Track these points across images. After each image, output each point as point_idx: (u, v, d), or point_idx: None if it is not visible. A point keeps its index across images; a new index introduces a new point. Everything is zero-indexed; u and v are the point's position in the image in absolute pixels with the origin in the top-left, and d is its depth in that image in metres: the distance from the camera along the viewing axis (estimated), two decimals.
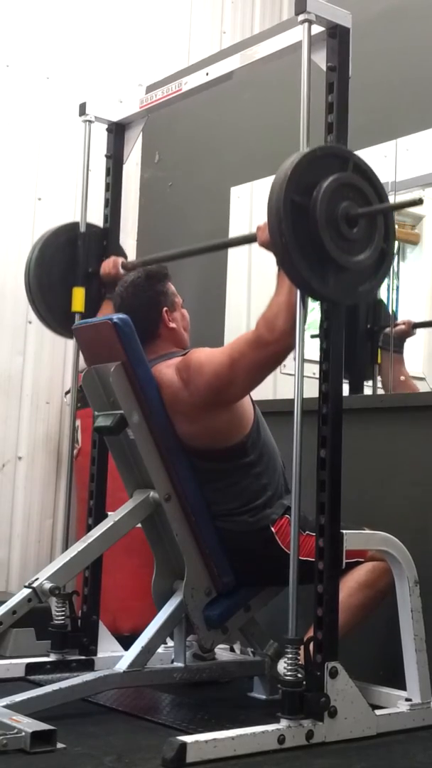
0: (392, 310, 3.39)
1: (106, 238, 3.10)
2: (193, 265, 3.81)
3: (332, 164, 2.24)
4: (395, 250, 2.39)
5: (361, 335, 3.33)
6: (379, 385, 3.38)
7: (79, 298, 2.99)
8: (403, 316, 3.45)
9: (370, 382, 3.46)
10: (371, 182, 2.30)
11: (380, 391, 3.39)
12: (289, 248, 2.13)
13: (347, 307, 2.82)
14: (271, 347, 2.43)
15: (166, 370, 2.62)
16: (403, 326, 3.38)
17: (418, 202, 2.20)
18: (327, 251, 2.17)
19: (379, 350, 3.36)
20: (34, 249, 3.03)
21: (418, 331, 3.52)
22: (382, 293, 3.46)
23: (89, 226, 3.07)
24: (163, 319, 2.72)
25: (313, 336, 2.41)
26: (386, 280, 3.47)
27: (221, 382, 2.51)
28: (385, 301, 3.44)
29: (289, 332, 2.38)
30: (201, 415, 2.58)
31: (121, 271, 2.99)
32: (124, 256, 3.14)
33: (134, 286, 2.74)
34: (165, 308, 2.73)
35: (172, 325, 2.74)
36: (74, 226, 3.08)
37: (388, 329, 3.28)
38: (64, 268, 3.01)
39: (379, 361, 3.38)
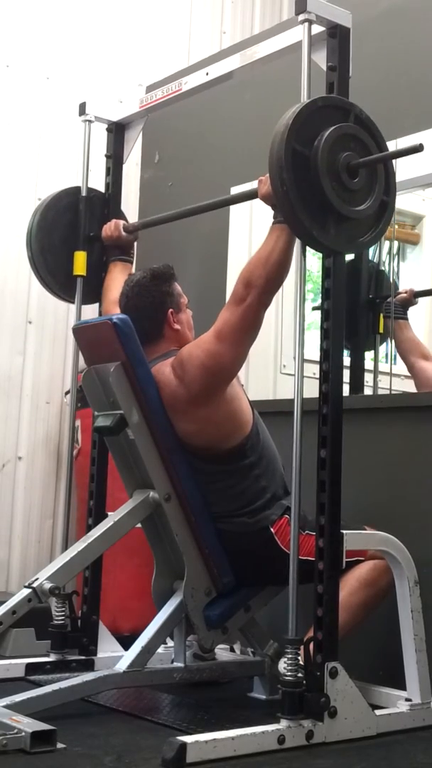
0: (393, 280, 3.41)
1: (107, 202, 3.10)
2: (193, 263, 3.82)
3: (333, 115, 2.26)
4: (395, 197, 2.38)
5: (363, 305, 3.35)
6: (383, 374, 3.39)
7: (80, 261, 3.00)
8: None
9: (370, 382, 3.47)
10: (372, 133, 2.32)
11: (383, 389, 3.40)
12: (290, 197, 2.14)
13: (349, 277, 2.83)
14: (246, 302, 2.45)
15: (165, 368, 2.62)
16: (404, 294, 3.40)
17: (419, 148, 2.20)
18: (328, 200, 2.18)
19: (381, 319, 3.38)
20: (36, 213, 3.04)
21: (418, 330, 3.52)
22: (384, 265, 3.48)
23: (90, 190, 3.08)
24: (168, 320, 2.72)
25: (314, 308, 2.42)
26: (388, 249, 3.49)
27: (212, 359, 2.51)
28: (386, 270, 3.45)
29: (263, 287, 2.41)
30: (199, 410, 2.57)
31: (123, 234, 3.02)
32: (125, 219, 3.15)
33: (140, 286, 2.73)
34: (170, 309, 2.72)
35: (177, 326, 2.73)
36: (76, 190, 3.08)
37: (390, 298, 3.29)
38: (66, 232, 3.02)
39: (381, 330, 3.39)
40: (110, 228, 3.03)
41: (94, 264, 3.04)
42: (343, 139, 2.23)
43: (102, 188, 3.17)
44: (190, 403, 2.57)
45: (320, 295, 2.37)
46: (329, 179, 2.18)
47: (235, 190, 3.73)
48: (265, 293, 2.43)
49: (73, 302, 3.03)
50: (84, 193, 3.06)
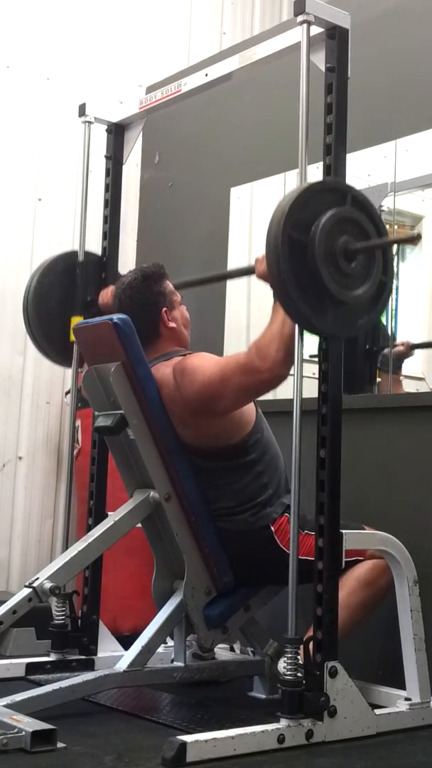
0: (391, 330, 3.38)
1: (104, 266, 3.08)
2: (193, 265, 3.82)
3: (331, 199, 2.23)
4: (393, 278, 2.38)
5: (360, 356, 3.33)
6: None
7: None
8: (402, 317, 3.46)
9: None
10: (369, 215, 2.29)
11: None
12: (287, 285, 2.12)
13: None
14: (261, 375, 2.43)
15: (165, 369, 2.62)
16: (401, 347, 3.37)
17: (417, 237, 2.20)
18: (325, 287, 2.16)
19: (377, 371, 3.36)
20: (32, 278, 3.02)
21: (418, 331, 3.52)
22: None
23: (87, 254, 3.06)
24: (162, 320, 2.72)
25: (312, 356, 2.42)
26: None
27: (210, 395, 2.51)
28: (383, 321, 3.44)
29: (280, 362, 2.38)
30: (193, 419, 2.58)
31: None
32: None
33: (131, 288, 2.73)
34: (164, 308, 2.73)
35: (172, 324, 2.74)
36: (72, 254, 3.06)
37: (386, 350, 3.27)
38: (63, 297, 2.99)
39: (377, 381, 3.38)
40: (107, 294, 2.99)
41: None
42: (341, 224, 2.20)
43: (102, 190, 3.17)
44: (185, 410, 2.58)
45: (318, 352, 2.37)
46: (326, 266, 2.16)
47: (234, 191, 3.75)
48: (284, 365, 2.39)
49: (69, 367, 3.02)
50: (81, 257, 3.04)
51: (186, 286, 3.02)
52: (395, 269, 3.57)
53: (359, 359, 3.29)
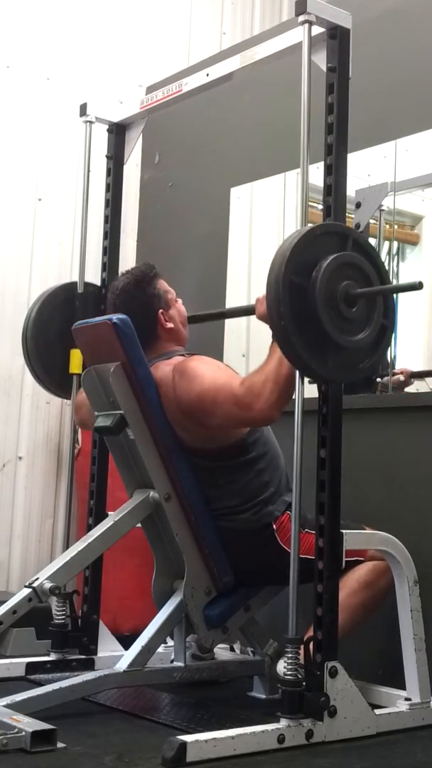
0: (390, 358, 3.37)
1: (103, 298, 3.05)
2: (193, 266, 3.82)
3: (331, 242, 2.22)
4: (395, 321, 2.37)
5: (359, 385, 3.31)
6: None
7: (76, 359, 2.95)
8: (402, 317, 3.45)
9: None
10: (371, 259, 2.28)
11: None
12: (288, 331, 2.11)
13: None
14: (251, 413, 2.43)
15: (165, 368, 2.62)
16: (400, 376, 3.35)
17: (418, 286, 2.19)
18: (326, 332, 2.14)
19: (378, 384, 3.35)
20: (31, 310, 3.02)
21: (418, 332, 3.51)
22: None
23: (87, 285, 3.05)
24: (159, 321, 2.71)
25: (310, 382, 2.40)
26: (387, 259, 3.46)
27: (201, 408, 2.51)
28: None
29: (273, 404, 2.38)
30: (187, 421, 2.59)
31: None
32: None
33: (125, 294, 2.71)
34: (160, 310, 2.72)
35: (170, 325, 2.73)
36: (72, 286, 3.06)
37: (385, 378, 3.26)
38: (62, 329, 2.96)
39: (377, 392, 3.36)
40: None
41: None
42: (342, 269, 2.19)
43: (102, 190, 3.17)
44: (179, 412, 2.58)
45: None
46: (327, 311, 2.14)
47: (234, 191, 3.75)
48: (277, 407, 2.38)
49: (68, 399, 3.02)
50: (80, 289, 3.03)
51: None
52: (395, 269, 3.58)
53: (357, 388, 3.27)
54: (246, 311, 2.71)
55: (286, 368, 2.34)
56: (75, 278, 3.10)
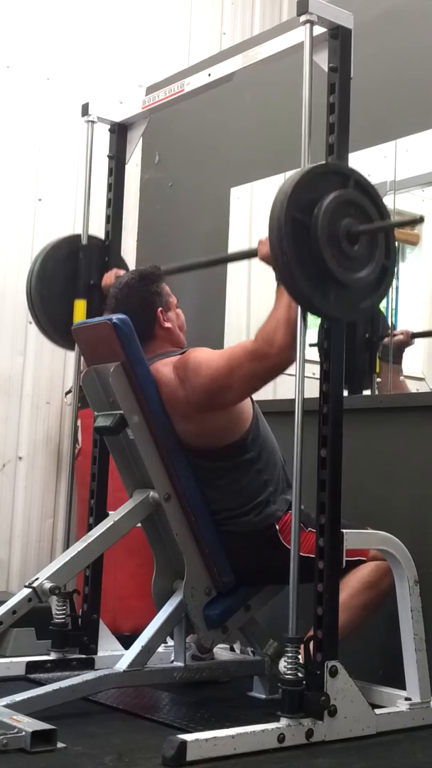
0: (391, 321, 3.39)
1: (107, 250, 3.09)
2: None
3: (333, 181, 2.24)
4: (395, 262, 2.38)
5: (360, 345, 3.33)
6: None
7: (80, 310, 2.98)
8: (402, 318, 3.46)
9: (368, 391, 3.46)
10: (372, 199, 2.30)
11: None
12: (290, 266, 2.13)
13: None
14: (269, 360, 2.44)
15: (164, 368, 2.62)
16: (401, 336, 3.38)
17: (419, 220, 2.21)
18: (328, 268, 2.16)
19: (378, 360, 3.36)
20: (35, 262, 3.03)
21: (419, 327, 3.52)
22: (381, 303, 3.46)
23: (91, 238, 3.07)
24: (158, 320, 2.73)
25: (311, 345, 2.42)
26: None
27: (218, 387, 2.52)
28: (383, 311, 3.43)
29: (287, 346, 2.39)
30: (198, 414, 2.58)
31: None
32: (126, 267, 3.14)
33: (128, 288, 2.74)
34: (160, 309, 2.73)
35: (168, 324, 2.74)
36: (75, 238, 3.07)
37: (386, 339, 3.28)
38: (66, 280, 3.00)
39: (378, 371, 3.38)
40: (110, 277, 3.00)
41: (94, 312, 3.01)
42: (343, 206, 2.21)
43: (102, 190, 3.17)
44: (189, 406, 2.58)
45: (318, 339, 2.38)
46: (329, 247, 2.16)
47: (234, 191, 3.75)
48: (291, 349, 2.38)
49: (72, 350, 3.03)
50: (84, 241, 3.04)
51: (187, 270, 3.02)
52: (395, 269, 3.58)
53: (359, 349, 3.29)
54: (248, 254, 2.71)
55: (294, 311, 2.35)
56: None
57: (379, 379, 3.49)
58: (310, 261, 2.16)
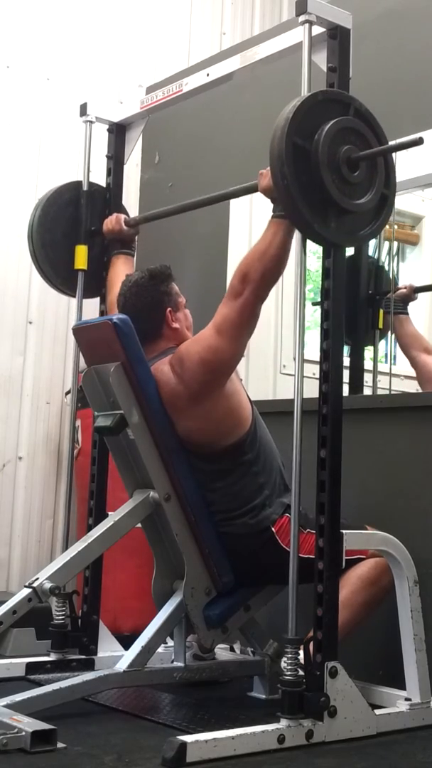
0: (393, 276, 3.42)
1: (108, 197, 3.11)
2: (193, 262, 3.82)
3: (333, 109, 2.26)
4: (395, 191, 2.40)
5: (362, 301, 3.36)
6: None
7: (81, 255, 3.00)
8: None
9: (369, 382, 3.47)
10: (372, 127, 2.32)
11: (383, 388, 3.41)
12: (291, 190, 2.15)
13: (348, 273, 2.82)
14: (243, 297, 2.45)
15: (163, 366, 2.62)
16: (404, 290, 3.42)
17: (419, 141, 2.21)
18: (329, 193, 2.19)
19: (381, 315, 3.39)
20: (36, 208, 3.04)
21: (419, 326, 3.53)
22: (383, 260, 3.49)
23: (91, 185, 3.08)
24: (166, 319, 2.73)
25: (314, 303, 2.43)
26: (387, 249, 3.49)
27: (211, 353, 2.52)
28: (386, 267, 3.46)
29: (259, 282, 2.41)
30: (199, 406, 2.57)
31: (124, 227, 3.03)
32: (126, 213, 3.15)
33: (138, 286, 2.74)
34: (168, 308, 2.73)
35: (176, 325, 2.74)
36: (77, 185, 3.09)
37: (390, 294, 3.31)
38: (67, 226, 3.03)
39: (380, 326, 3.41)
40: (111, 222, 3.04)
41: (95, 258, 3.05)
42: (344, 133, 2.24)
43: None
44: (190, 400, 2.57)
45: (320, 294, 2.38)
46: (330, 172, 2.19)
47: None
48: (262, 287, 2.44)
49: (74, 296, 3.05)
50: (85, 187, 3.06)
51: (189, 208, 3.01)
52: (395, 269, 3.59)
53: (362, 304, 3.32)
54: (249, 189, 2.71)
55: (274, 248, 2.38)
56: None
57: (379, 379, 3.50)
58: (311, 187, 2.18)
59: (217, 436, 2.61)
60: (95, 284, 3.07)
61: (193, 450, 2.63)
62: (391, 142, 2.39)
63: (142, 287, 2.73)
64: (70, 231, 3.02)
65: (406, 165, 3.16)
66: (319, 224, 2.19)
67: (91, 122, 3.12)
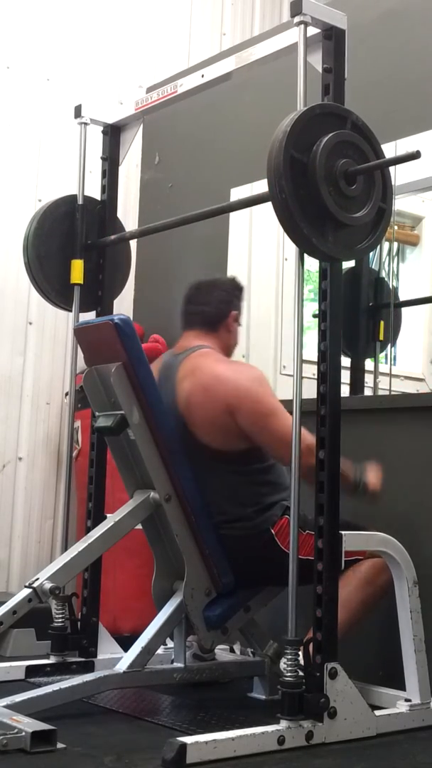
0: (392, 287, 3.41)
1: (103, 210, 3.10)
2: (193, 267, 3.82)
3: (331, 122, 2.26)
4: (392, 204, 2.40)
5: (363, 313, 3.36)
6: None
7: (78, 270, 3.00)
8: (403, 317, 3.47)
9: (369, 383, 3.47)
10: (369, 140, 2.32)
11: (383, 389, 3.41)
12: (289, 204, 2.14)
13: (349, 286, 2.80)
14: (282, 454, 2.50)
15: (205, 365, 2.66)
16: None
17: (416, 155, 2.21)
18: (326, 207, 2.19)
19: (381, 327, 3.39)
20: (32, 221, 3.04)
21: (418, 335, 3.53)
22: (382, 273, 3.49)
23: (87, 198, 3.08)
24: (228, 319, 2.79)
25: (314, 315, 2.42)
26: (387, 260, 3.49)
27: (276, 444, 2.55)
28: (386, 278, 3.46)
29: (308, 468, 2.35)
30: (219, 420, 2.61)
31: None
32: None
33: (213, 284, 2.84)
34: (234, 311, 2.80)
35: (232, 329, 2.81)
36: (72, 198, 3.08)
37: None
38: (63, 240, 3.03)
39: (381, 338, 3.41)
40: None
41: (91, 272, 3.03)
42: (341, 147, 2.23)
43: (100, 190, 3.17)
44: (228, 422, 2.61)
45: (317, 295, 2.38)
46: (327, 186, 2.19)
47: (234, 192, 3.74)
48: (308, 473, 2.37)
49: (70, 310, 3.03)
50: (80, 201, 3.05)
51: (191, 221, 2.97)
52: (395, 269, 3.59)
53: (362, 317, 3.32)
54: (249, 202, 2.76)
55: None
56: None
57: (379, 380, 3.50)
58: (308, 200, 2.18)
59: (233, 441, 2.63)
60: (91, 298, 3.06)
61: (212, 449, 2.64)
62: (389, 151, 2.38)
63: (221, 282, 2.86)
64: (66, 245, 3.00)
65: (405, 169, 3.16)
66: (317, 239, 2.19)
67: (86, 124, 3.11)
